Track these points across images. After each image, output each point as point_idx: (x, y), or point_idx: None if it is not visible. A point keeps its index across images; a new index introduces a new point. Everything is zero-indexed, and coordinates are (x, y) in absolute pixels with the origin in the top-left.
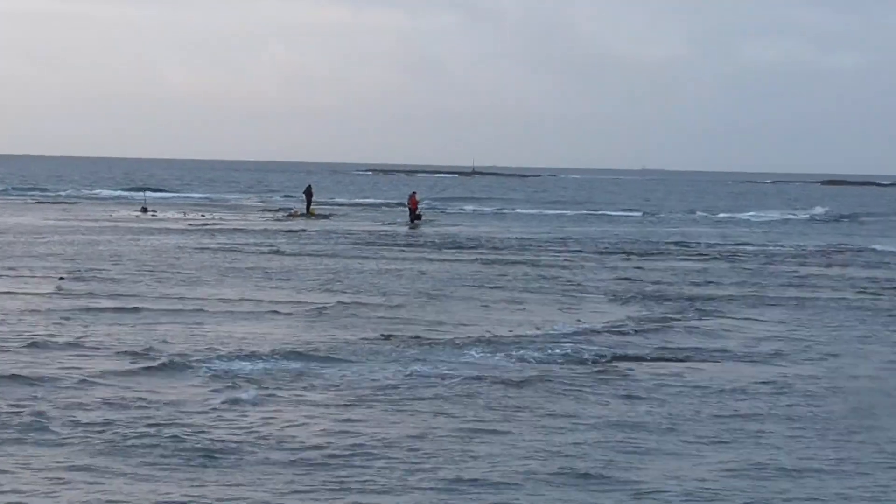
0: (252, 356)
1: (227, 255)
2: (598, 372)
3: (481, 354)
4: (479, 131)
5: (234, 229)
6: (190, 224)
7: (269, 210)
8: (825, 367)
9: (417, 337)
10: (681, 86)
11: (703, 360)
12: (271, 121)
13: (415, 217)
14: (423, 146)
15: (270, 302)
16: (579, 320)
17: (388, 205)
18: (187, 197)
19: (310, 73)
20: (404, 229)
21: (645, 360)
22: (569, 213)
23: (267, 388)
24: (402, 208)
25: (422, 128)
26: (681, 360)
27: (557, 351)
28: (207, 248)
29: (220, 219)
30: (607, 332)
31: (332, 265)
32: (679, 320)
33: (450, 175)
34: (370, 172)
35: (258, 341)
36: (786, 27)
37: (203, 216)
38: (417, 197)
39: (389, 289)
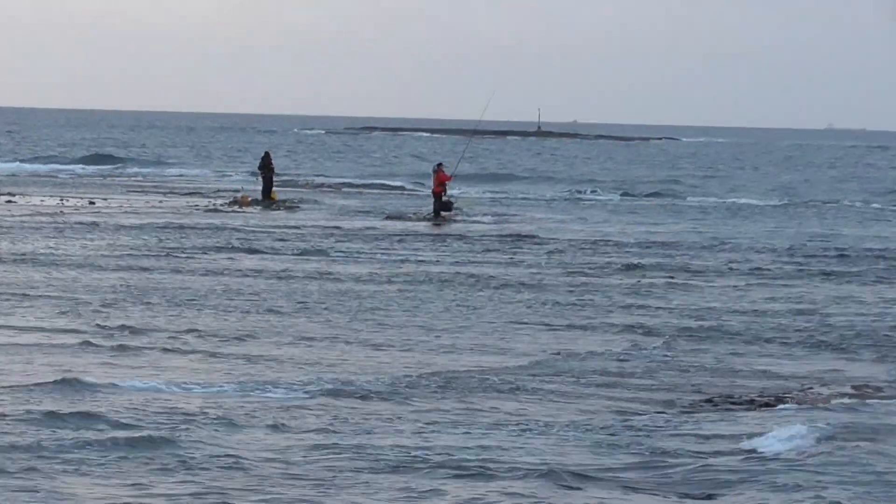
0: None
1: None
2: None
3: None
4: (547, 69)
5: (135, 225)
6: (65, 217)
7: (201, 194)
8: None
9: None
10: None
11: None
12: (207, 52)
13: (442, 206)
14: (452, 92)
15: None
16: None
17: (401, 188)
18: (71, 171)
19: None
20: (421, 226)
21: None
22: (702, 199)
23: None
24: (421, 191)
25: (447, 66)
26: None
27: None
28: (66, 262)
29: (119, 207)
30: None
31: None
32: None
33: (497, 135)
34: (373, 131)
35: None
36: None
37: (92, 203)
38: (447, 171)
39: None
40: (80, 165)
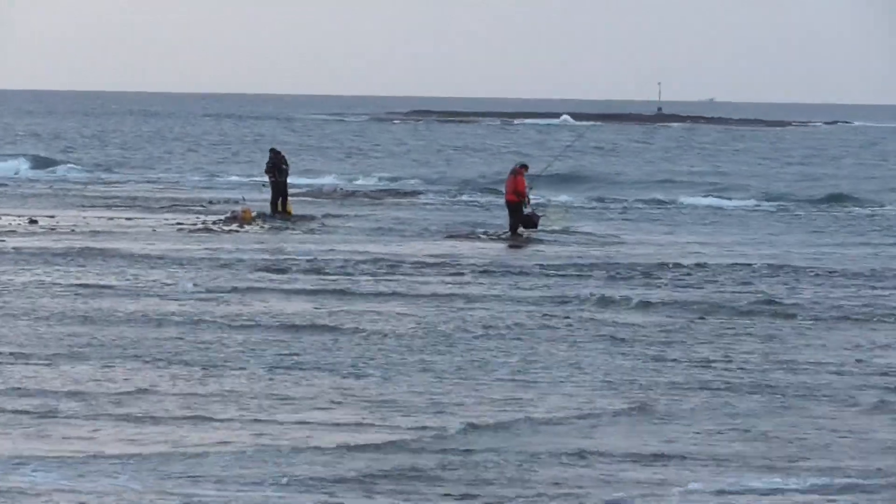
0: None
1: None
2: None
3: None
4: (673, 31)
5: (90, 252)
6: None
7: (188, 208)
8: None
9: None
10: None
11: None
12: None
13: (521, 221)
14: (531, 62)
15: None
16: None
17: (446, 198)
18: (24, 181)
19: None
20: (492, 249)
21: None
22: (879, 209)
23: None
24: (492, 200)
25: (523, 29)
26: None
27: None
28: None
29: (72, 229)
30: None
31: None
32: None
33: (602, 119)
34: (426, 116)
35: None
36: None
37: (34, 222)
38: (527, 176)
39: None
40: (49, 174)
